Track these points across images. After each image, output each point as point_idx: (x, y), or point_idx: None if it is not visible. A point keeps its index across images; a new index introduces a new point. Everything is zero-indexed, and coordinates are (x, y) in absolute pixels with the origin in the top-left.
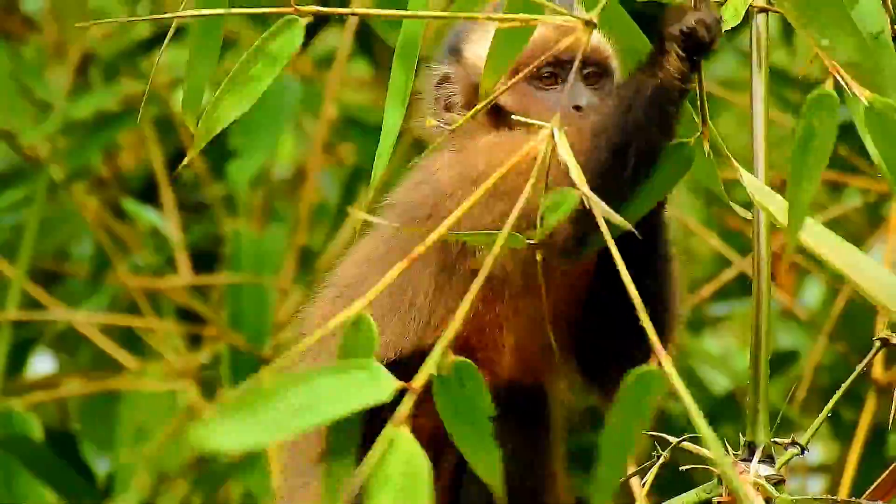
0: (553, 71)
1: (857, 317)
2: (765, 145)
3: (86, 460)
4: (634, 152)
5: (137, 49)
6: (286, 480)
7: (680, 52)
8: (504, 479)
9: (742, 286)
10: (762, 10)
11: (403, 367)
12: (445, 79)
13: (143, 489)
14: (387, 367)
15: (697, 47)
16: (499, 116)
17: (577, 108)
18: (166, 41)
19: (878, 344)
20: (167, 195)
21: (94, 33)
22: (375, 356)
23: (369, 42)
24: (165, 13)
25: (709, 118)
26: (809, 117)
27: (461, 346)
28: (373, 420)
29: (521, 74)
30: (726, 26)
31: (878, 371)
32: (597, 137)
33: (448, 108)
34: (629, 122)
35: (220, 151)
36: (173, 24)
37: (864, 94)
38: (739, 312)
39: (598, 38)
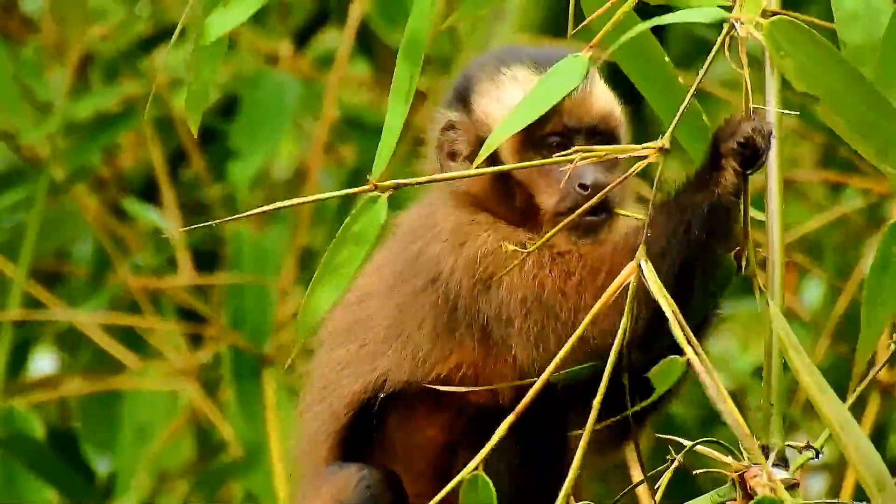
0: (561, 140)
1: (858, 317)
2: (778, 150)
3: (86, 460)
4: (699, 271)
5: (137, 49)
6: (298, 484)
7: (737, 168)
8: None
9: (742, 286)
10: (774, 13)
11: (400, 400)
12: (451, 126)
13: (143, 489)
14: (384, 400)
15: (753, 159)
16: (504, 181)
17: (583, 186)
18: (171, 43)
19: (893, 347)
20: (167, 195)
21: (93, 33)
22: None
23: (369, 42)
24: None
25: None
26: (889, 244)
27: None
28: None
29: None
30: (743, 33)
31: (881, 372)
32: (661, 260)
33: (451, 156)
34: (692, 243)
35: (220, 151)
36: (178, 27)
37: None
38: (739, 313)
39: (608, 106)
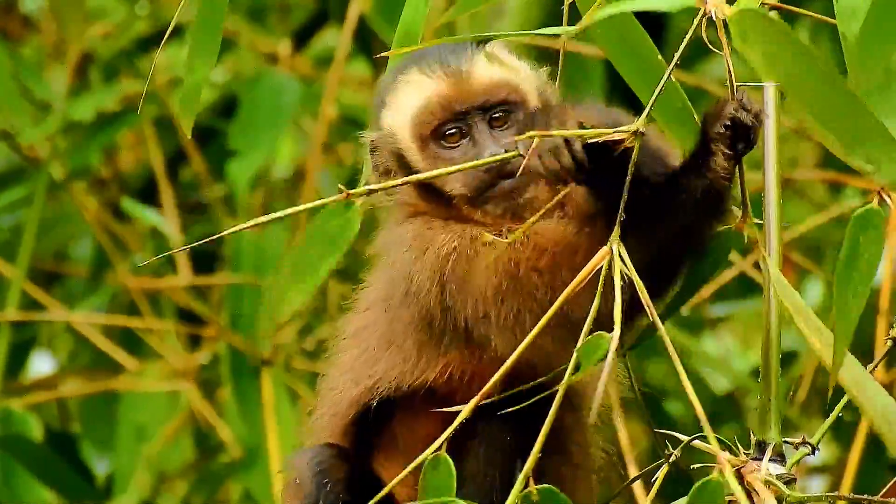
0: (456, 126)
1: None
2: (775, 150)
3: (85, 460)
4: (688, 254)
5: (137, 49)
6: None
7: (726, 151)
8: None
9: (742, 286)
10: (773, 7)
11: (400, 400)
12: (374, 146)
13: (143, 489)
14: (386, 400)
15: (744, 138)
16: (423, 186)
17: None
18: (163, 41)
19: (889, 344)
20: (167, 195)
21: (93, 33)
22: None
23: (369, 42)
24: (165, 14)
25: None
26: (855, 234)
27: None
28: None
29: None
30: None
31: (879, 371)
32: (647, 242)
33: (386, 174)
34: (682, 226)
35: (220, 151)
36: (171, 24)
37: None
38: (739, 313)
39: (490, 79)
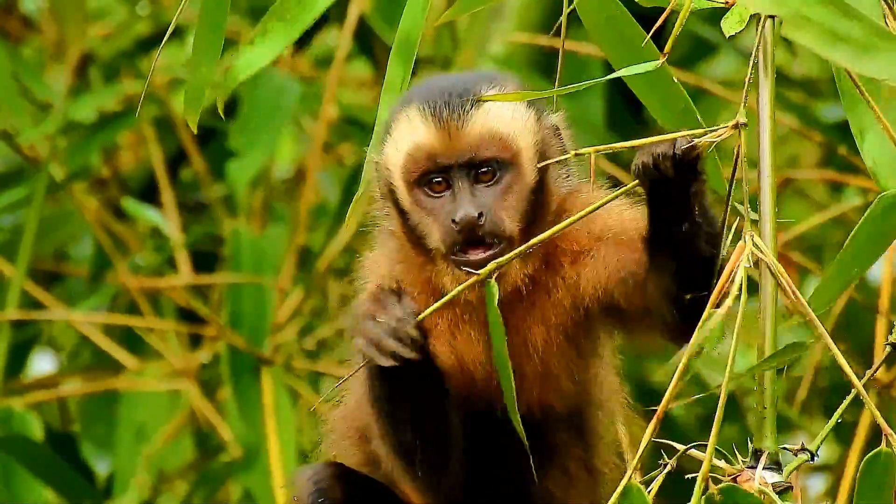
0: (442, 177)
1: (857, 317)
2: (771, 148)
3: (86, 460)
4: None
5: (137, 49)
6: None
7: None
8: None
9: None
10: (771, 15)
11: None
12: (377, 168)
13: (143, 489)
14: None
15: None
16: (407, 225)
17: (454, 221)
18: (163, 42)
19: (888, 349)
20: (167, 195)
21: (93, 33)
22: None
23: (369, 42)
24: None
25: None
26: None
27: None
28: None
29: None
30: (731, 32)
31: (879, 372)
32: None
33: (384, 198)
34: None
35: (220, 151)
36: (171, 24)
37: None
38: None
39: (482, 137)
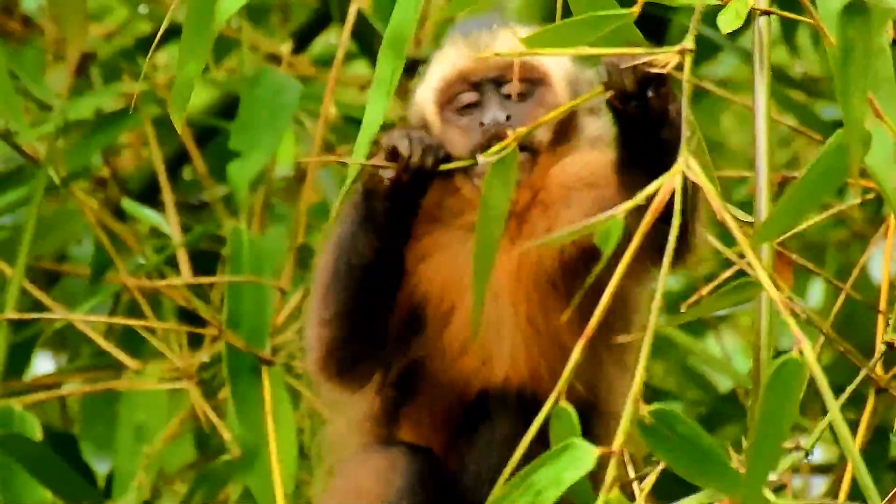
0: (473, 93)
1: (857, 317)
2: (767, 145)
3: (86, 460)
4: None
5: (137, 49)
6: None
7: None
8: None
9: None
10: (764, 12)
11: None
12: (412, 107)
13: (143, 489)
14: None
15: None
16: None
17: (481, 124)
18: (156, 41)
19: (883, 347)
20: (167, 195)
21: (94, 33)
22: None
23: (369, 42)
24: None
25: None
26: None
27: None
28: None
29: None
30: (728, 29)
31: (878, 370)
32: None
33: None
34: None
35: (220, 151)
36: (163, 24)
37: None
38: (740, 312)
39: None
